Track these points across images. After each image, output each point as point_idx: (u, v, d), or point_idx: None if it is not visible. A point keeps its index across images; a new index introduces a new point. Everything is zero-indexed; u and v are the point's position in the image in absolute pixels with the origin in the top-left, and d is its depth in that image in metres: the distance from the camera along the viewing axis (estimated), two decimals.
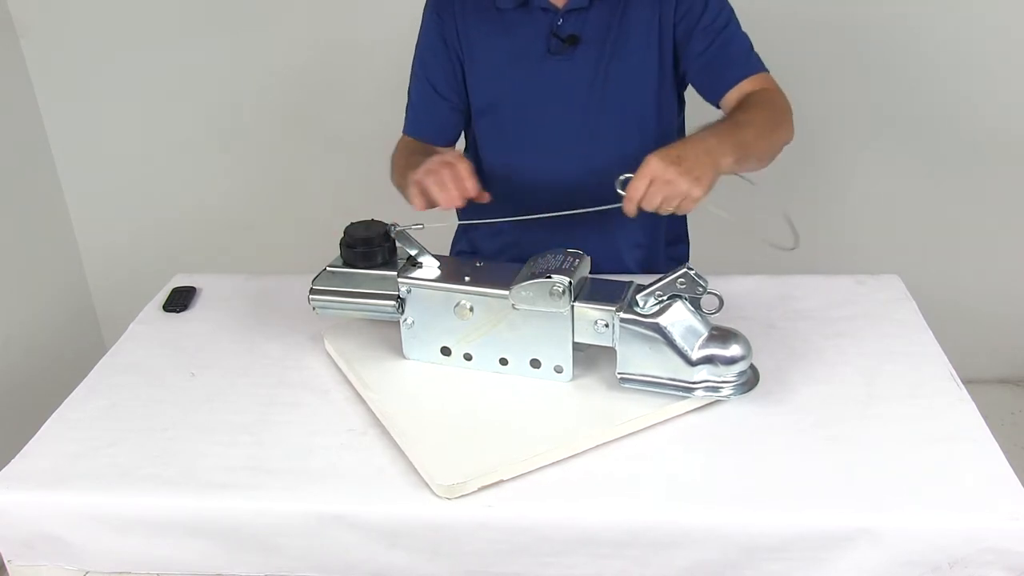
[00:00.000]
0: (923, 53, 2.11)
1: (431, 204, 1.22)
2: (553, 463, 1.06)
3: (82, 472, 1.09)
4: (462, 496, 1.01)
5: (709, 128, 1.21)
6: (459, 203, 1.20)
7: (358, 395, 1.20)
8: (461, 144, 1.56)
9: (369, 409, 1.17)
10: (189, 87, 2.27)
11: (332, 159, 2.31)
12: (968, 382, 1.18)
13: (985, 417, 1.11)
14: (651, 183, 1.10)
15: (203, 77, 2.26)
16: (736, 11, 1.40)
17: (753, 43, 1.40)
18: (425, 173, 1.21)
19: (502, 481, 1.03)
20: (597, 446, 1.08)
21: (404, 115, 1.52)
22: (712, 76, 1.37)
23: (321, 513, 1.02)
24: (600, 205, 1.18)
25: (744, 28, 1.40)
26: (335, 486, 1.05)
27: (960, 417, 1.11)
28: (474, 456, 1.04)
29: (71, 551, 1.07)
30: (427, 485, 1.03)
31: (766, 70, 1.37)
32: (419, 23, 1.47)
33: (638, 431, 1.10)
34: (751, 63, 1.37)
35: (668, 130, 1.47)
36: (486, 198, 1.25)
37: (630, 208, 1.13)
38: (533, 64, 1.39)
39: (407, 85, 1.52)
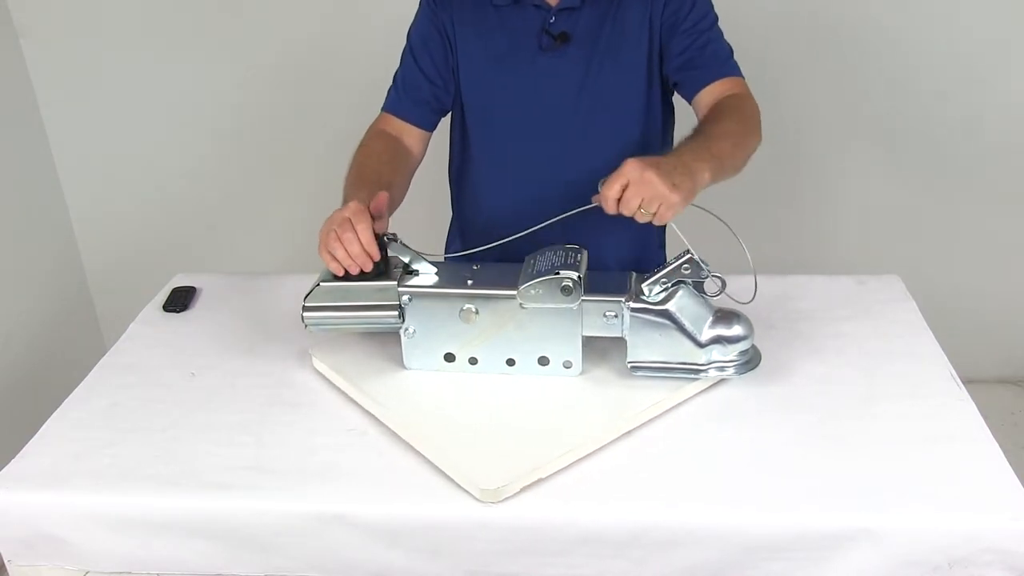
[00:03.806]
0: (922, 54, 2.11)
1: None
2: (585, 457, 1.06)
3: (82, 472, 1.09)
4: (505, 499, 1.01)
5: (683, 144, 1.22)
6: (368, 269, 1.17)
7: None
8: (439, 133, 1.53)
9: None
10: (189, 87, 2.27)
11: (334, 158, 2.30)
12: (968, 382, 1.18)
13: (985, 417, 1.11)
14: (628, 184, 1.09)
15: (204, 77, 2.26)
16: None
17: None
18: (327, 239, 1.16)
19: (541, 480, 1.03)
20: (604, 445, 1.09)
21: (386, 96, 1.48)
22: (689, 74, 1.39)
23: (321, 513, 1.02)
24: (591, 204, 1.17)
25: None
26: (335, 486, 1.04)
27: (960, 417, 1.11)
28: (512, 458, 1.04)
29: (71, 551, 1.07)
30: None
31: (741, 75, 1.39)
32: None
33: (640, 426, 1.11)
34: (727, 66, 1.39)
35: (654, 133, 1.48)
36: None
37: (610, 207, 1.12)
38: (525, 60, 1.40)
39: None
